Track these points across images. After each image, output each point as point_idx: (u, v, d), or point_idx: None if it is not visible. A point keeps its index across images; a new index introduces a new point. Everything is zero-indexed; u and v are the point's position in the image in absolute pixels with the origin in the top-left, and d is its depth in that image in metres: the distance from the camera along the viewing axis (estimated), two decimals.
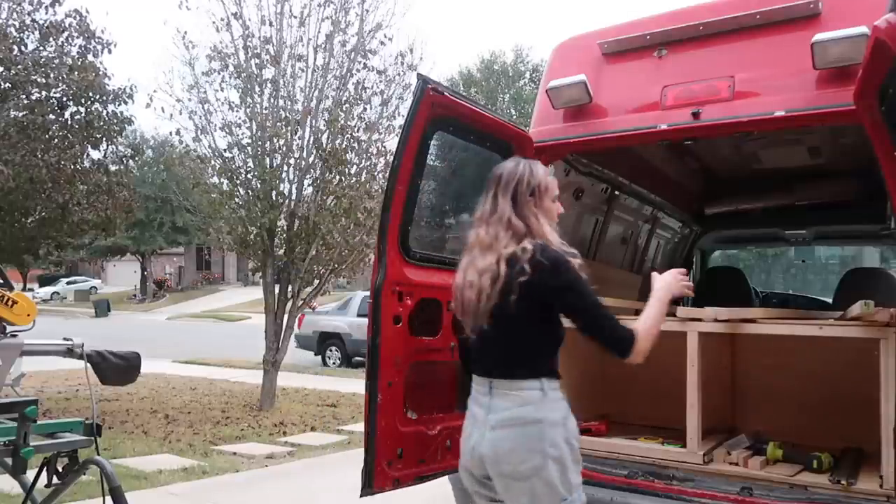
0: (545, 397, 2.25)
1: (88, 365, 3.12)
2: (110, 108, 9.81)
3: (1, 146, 8.45)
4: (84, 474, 2.98)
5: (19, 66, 8.82)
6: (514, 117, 31.70)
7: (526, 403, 2.24)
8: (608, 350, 2.29)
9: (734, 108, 3.03)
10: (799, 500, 2.74)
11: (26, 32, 9.19)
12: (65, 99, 9.40)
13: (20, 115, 8.87)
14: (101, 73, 9.56)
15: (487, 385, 2.32)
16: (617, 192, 4.55)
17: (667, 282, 2.48)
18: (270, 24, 8.83)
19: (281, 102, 8.86)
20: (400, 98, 9.09)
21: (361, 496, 2.82)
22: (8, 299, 2.94)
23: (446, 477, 3.13)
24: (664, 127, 3.16)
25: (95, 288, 46.75)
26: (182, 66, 9.29)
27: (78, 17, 9.45)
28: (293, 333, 9.95)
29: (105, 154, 10.04)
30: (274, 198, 8.85)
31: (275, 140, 8.77)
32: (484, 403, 2.31)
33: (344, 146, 8.74)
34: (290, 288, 9.20)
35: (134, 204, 10.74)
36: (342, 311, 16.22)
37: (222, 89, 8.95)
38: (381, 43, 9.07)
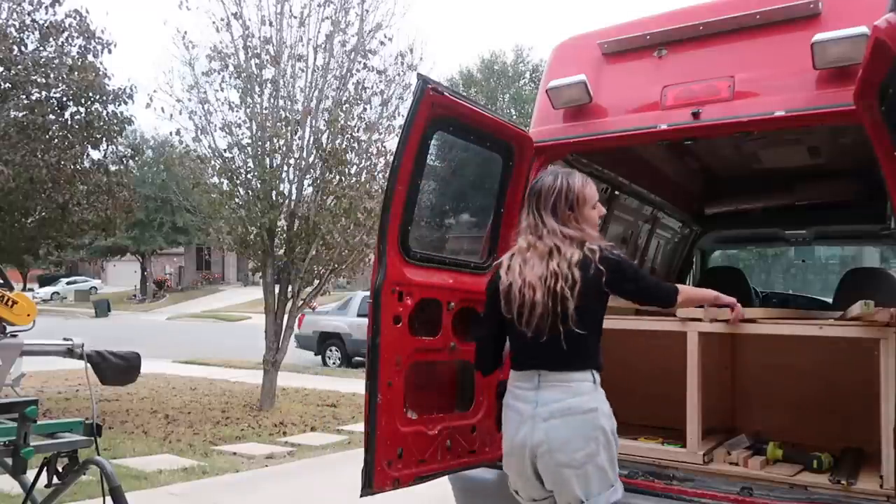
0: (596, 388, 2.43)
1: (88, 365, 3.12)
2: (110, 108, 9.82)
3: (1, 146, 8.46)
4: (84, 474, 2.98)
5: (19, 66, 8.82)
6: (514, 117, 31.71)
7: (579, 394, 2.39)
8: (659, 303, 2.64)
9: (734, 108, 3.03)
10: (799, 500, 2.73)
11: (26, 32, 9.19)
12: (65, 99, 9.40)
13: (20, 115, 8.87)
14: (101, 73, 9.56)
15: (535, 379, 2.43)
16: (617, 192, 4.55)
17: (723, 296, 2.79)
18: (270, 24, 8.84)
19: (281, 102, 8.86)
20: (400, 98, 9.09)
21: (361, 496, 2.81)
22: (8, 299, 2.94)
23: (446, 477, 3.13)
24: (664, 127, 3.16)
25: (95, 288, 46.75)
26: (182, 66, 9.31)
27: (78, 18, 9.45)
28: (293, 333, 9.96)
29: (105, 154, 10.05)
30: (274, 198, 8.85)
31: (275, 140, 8.78)
32: (530, 398, 2.42)
33: (344, 146, 8.75)
34: (290, 288, 9.21)
35: (134, 204, 10.75)
36: (342, 311, 16.22)
37: (222, 89, 8.97)
38: (381, 43, 9.08)
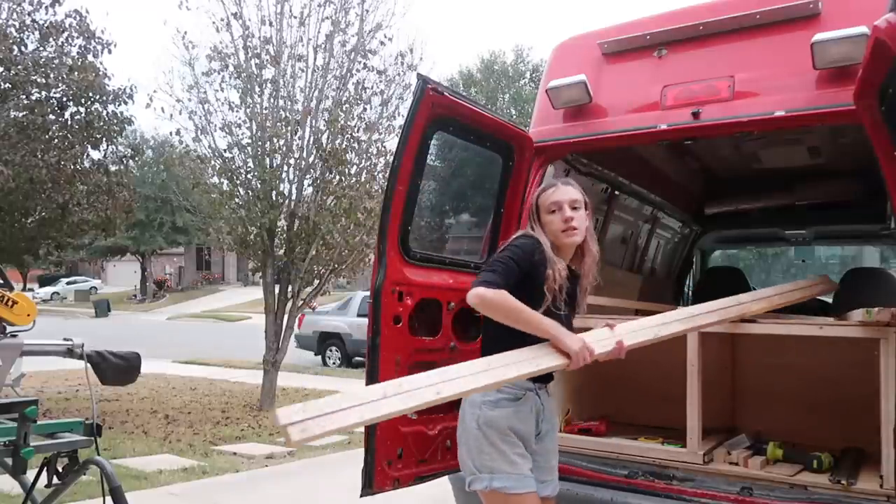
0: None
1: (88, 365, 3.12)
2: (110, 108, 9.81)
3: (1, 146, 8.46)
4: (84, 474, 2.98)
5: (19, 67, 8.82)
6: (514, 117, 31.71)
7: None
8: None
9: (734, 108, 3.03)
10: (799, 500, 2.73)
11: (26, 32, 9.19)
12: (65, 99, 9.40)
13: (20, 115, 8.87)
14: (101, 73, 9.56)
15: None
16: (617, 192, 4.54)
17: (572, 340, 2.37)
18: (270, 24, 8.84)
19: (281, 102, 8.86)
20: (400, 98, 9.09)
21: (361, 496, 2.82)
22: (8, 299, 2.94)
23: (446, 477, 3.13)
24: (664, 127, 3.16)
25: (95, 288, 46.73)
26: (182, 66, 9.31)
27: (78, 18, 9.45)
28: (293, 333, 9.96)
29: (105, 154, 10.05)
30: (274, 198, 8.85)
31: (275, 140, 8.77)
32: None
33: (344, 146, 8.74)
34: (290, 288, 9.20)
35: (134, 204, 10.75)
36: (342, 311, 16.21)
37: (222, 89, 8.96)
38: (381, 43, 9.08)
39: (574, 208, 2.57)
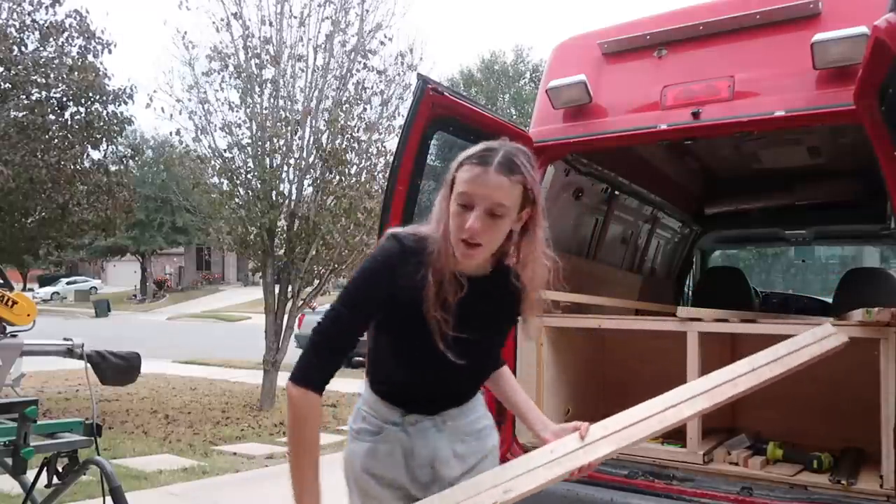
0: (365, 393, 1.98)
1: (88, 365, 3.12)
2: (110, 108, 9.84)
3: (1, 146, 8.46)
4: (84, 474, 2.98)
5: (19, 67, 8.83)
6: (514, 117, 31.71)
7: None
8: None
9: (734, 108, 3.02)
10: (799, 500, 2.73)
11: (26, 33, 9.21)
12: (65, 99, 9.41)
13: (20, 115, 8.88)
14: (101, 73, 9.58)
15: None
16: (617, 192, 4.54)
17: None
18: (270, 24, 8.84)
19: (281, 102, 8.87)
20: (400, 98, 9.10)
21: None
22: (8, 299, 2.95)
23: None
24: (664, 127, 3.15)
25: (95, 288, 46.72)
26: (182, 66, 9.32)
27: (78, 18, 9.47)
28: (293, 333, 9.96)
29: (105, 154, 10.07)
30: (274, 198, 8.85)
31: (275, 140, 8.78)
32: None
33: (344, 146, 8.75)
34: (290, 288, 9.20)
35: (134, 204, 10.76)
36: None
37: (222, 89, 8.98)
38: (381, 43, 9.09)
39: (494, 215, 1.67)
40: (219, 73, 8.88)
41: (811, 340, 2.54)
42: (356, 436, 1.91)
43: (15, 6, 9.06)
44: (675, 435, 3.24)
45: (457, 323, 1.73)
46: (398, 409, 1.84)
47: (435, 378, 1.82)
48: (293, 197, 9.12)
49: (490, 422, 2.01)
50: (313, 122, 8.88)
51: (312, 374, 1.70)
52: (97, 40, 9.64)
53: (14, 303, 2.96)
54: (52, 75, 9.12)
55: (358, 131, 8.85)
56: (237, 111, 8.93)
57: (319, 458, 1.73)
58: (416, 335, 1.75)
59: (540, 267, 1.80)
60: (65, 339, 3.15)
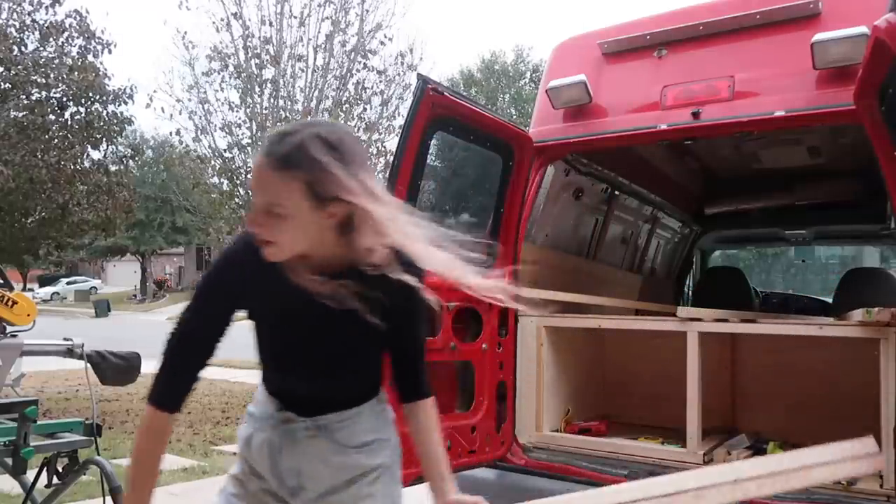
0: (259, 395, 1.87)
1: (88, 365, 3.12)
2: (110, 108, 9.84)
3: (1, 146, 8.47)
4: (84, 474, 2.98)
5: (19, 67, 8.84)
6: (514, 117, 31.71)
7: None
8: None
9: (734, 108, 3.02)
10: (799, 500, 2.73)
11: (26, 33, 9.22)
12: (65, 99, 9.42)
13: (20, 115, 8.89)
14: (101, 73, 9.58)
15: None
16: (617, 192, 4.54)
17: None
18: (270, 24, 8.87)
19: (281, 102, 8.88)
20: (400, 98, 9.12)
21: None
22: (8, 299, 2.95)
23: None
24: (664, 127, 3.16)
25: (95, 288, 46.72)
26: (182, 66, 9.38)
27: (78, 18, 9.47)
28: None
29: (105, 154, 10.07)
30: None
31: None
32: None
33: None
34: None
35: (134, 204, 10.76)
36: None
37: (222, 89, 9.01)
38: (381, 43, 9.13)
39: (272, 213, 1.43)
40: (219, 73, 8.92)
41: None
42: (247, 418, 1.79)
43: (15, 6, 9.07)
44: (675, 435, 3.25)
45: (311, 326, 1.58)
46: (274, 402, 1.72)
47: (298, 381, 1.69)
48: None
49: (385, 437, 1.76)
50: None
51: (165, 394, 1.68)
52: (97, 40, 9.64)
53: (14, 303, 2.96)
54: (52, 75, 9.13)
55: (358, 131, 8.86)
56: (237, 111, 8.96)
57: (157, 477, 1.76)
58: (273, 337, 1.66)
59: (404, 248, 1.46)
60: (65, 339, 3.15)
